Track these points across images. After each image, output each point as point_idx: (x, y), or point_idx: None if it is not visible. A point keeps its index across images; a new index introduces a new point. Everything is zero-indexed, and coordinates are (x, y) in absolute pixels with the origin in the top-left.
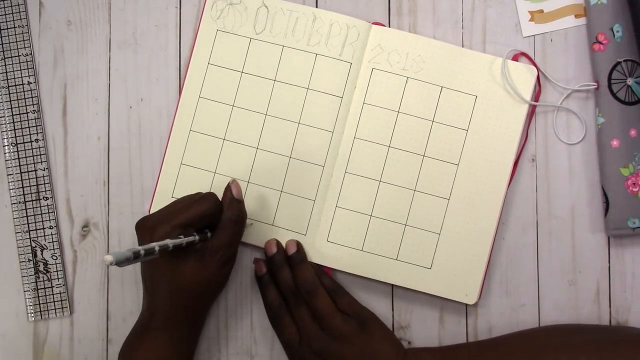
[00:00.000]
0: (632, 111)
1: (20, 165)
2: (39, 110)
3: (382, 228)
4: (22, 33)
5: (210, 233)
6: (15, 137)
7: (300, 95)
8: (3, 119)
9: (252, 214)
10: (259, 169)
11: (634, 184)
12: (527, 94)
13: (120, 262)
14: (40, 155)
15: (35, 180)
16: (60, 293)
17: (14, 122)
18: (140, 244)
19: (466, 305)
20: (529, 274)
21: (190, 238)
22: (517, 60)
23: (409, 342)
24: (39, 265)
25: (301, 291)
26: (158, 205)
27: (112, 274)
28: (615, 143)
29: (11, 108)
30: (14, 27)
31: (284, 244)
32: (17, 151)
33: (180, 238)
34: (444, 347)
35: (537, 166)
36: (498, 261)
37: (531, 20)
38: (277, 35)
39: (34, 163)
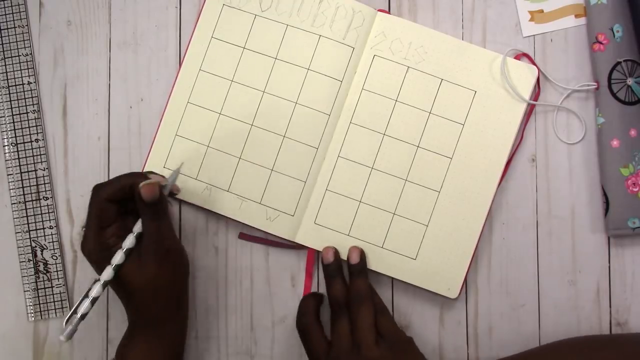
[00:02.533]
0: (632, 111)
1: (20, 165)
2: (39, 110)
3: (370, 215)
4: (22, 33)
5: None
6: (15, 137)
7: (300, 75)
8: (3, 119)
9: (241, 191)
10: (252, 145)
11: (634, 184)
12: (526, 93)
13: (72, 333)
14: (40, 155)
15: (35, 180)
16: (60, 293)
17: (14, 122)
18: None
19: (466, 305)
20: (529, 274)
21: (119, 254)
22: (518, 60)
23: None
24: (39, 265)
25: (351, 300)
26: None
27: None
28: (615, 143)
29: (11, 108)
30: (14, 27)
31: (266, 225)
32: (17, 151)
33: (109, 268)
34: None
35: (537, 166)
36: (498, 261)
37: (531, 20)
38: (283, 13)
39: (34, 163)
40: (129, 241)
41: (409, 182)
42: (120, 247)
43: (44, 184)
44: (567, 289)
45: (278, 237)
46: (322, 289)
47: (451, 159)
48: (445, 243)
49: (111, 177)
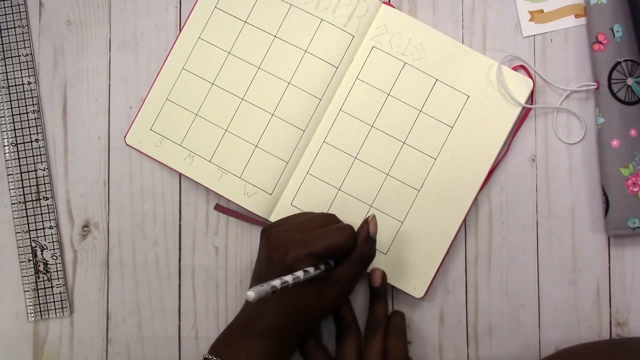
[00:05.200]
0: (632, 111)
1: (20, 165)
2: (39, 110)
3: (347, 204)
4: (22, 33)
5: (334, 262)
6: (15, 137)
7: (297, 56)
8: (3, 119)
9: (223, 163)
10: (240, 118)
11: (634, 184)
12: (517, 106)
13: (260, 297)
14: (40, 155)
15: (35, 180)
16: (60, 293)
17: (14, 122)
18: (269, 258)
19: (466, 305)
20: (529, 274)
21: (318, 271)
22: (516, 70)
23: (409, 342)
24: (39, 265)
25: (369, 324)
26: (134, 134)
27: (112, 274)
28: (615, 143)
29: (11, 108)
30: (14, 27)
31: (242, 200)
32: (17, 151)
33: (310, 272)
34: None
35: (537, 166)
36: (498, 261)
37: (531, 20)
38: None
39: (34, 163)
40: (327, 266)
41: (390, 176)
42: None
43: (44, 184)
44: (567, 289)
45: (253, 213)
46: None
47: (435, 159)
48: (418, 242)
49: (111, 177)
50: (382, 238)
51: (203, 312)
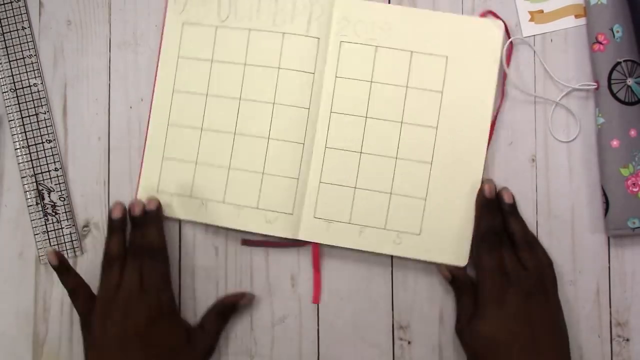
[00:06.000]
0: (632, 111)
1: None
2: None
3: (368, 199)
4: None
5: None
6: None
7: (272, 75)
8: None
9: (236, 200)
10: (239, 153)
11: (634, 184)
12: (496, 50)
13: None
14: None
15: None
16: (70, 234)
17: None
18: None
19: None
20: None
21: None
22: (484, 17)
23: (409, 342)
24: (47, 208)
25: (521, 239)
26: (142, 199)
27: None
28: (615, 143)
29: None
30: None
31: (267, 228)
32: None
33: None
34: None
35: (537, 166)
36: None
37: (531, 20)
38: (242, 19)
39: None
40: None
41: (399, 159)
42: None
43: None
44: (567, 289)
45: (280, 237)
46: (330, 283)
47: (437, 128)
48: (446, 213)
49: (111, 177)
50: (411, 220)
51: (203, 312)
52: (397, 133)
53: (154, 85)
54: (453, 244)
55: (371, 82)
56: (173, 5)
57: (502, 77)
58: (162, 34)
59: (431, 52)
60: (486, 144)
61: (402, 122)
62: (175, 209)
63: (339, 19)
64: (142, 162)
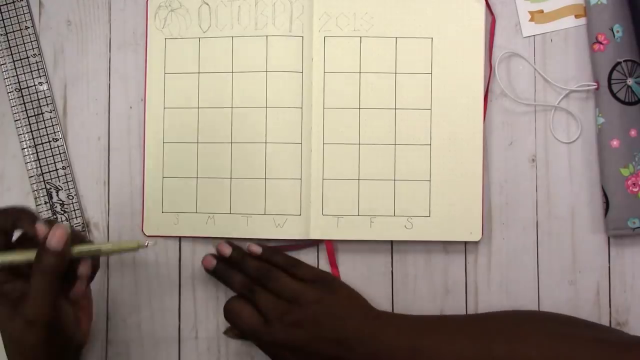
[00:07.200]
0: (632, 111)
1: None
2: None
3: (373, 188)
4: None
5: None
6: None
7: (261, 80)
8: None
9: (243, 208)
10: (238, 161)
11: (634, 184)
12: (480, 25)
13: None
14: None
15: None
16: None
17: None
18: None
19: (466, 304)
20: (529, 274)
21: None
22: None
23: None
24: (56, 207)
25: (259, 281)
26: (149, 224)
27: (112, 275)
28: (615, 143)
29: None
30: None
31: (277, 232)
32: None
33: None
34: (422, 316)
35: (537, 166)
36: (498, 261)
37: (531, 20)
38: (224, 27)
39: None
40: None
41: (398, 145)
42: None
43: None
44: (567, 289)
45: (292, 240)
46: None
47: (431, 109)
48: (454, 192)
49: (111, 177)
50: (419, 203)
51: (203, 312)
52: (393, 120)
53: (144, 103)
54: (464, 220)
55: (360, 73)
56: (154, 22)
57: (489, 50)
58: (145, 52)
59: (416, 36)
60: (482, 117)
61: (396, 109)
62: (182, 227)
63: (320, 15)
64: (142, 184)
